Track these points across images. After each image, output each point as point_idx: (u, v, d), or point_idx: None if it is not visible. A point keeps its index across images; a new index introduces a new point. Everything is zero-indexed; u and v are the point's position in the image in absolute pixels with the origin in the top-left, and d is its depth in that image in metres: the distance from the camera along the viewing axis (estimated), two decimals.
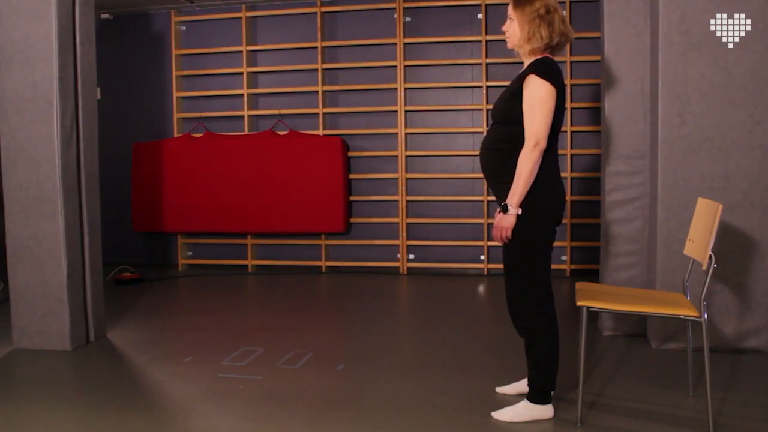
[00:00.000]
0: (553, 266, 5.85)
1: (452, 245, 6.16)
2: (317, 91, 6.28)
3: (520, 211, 2.67)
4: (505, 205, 2.67)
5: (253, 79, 6.48)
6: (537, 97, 2.63)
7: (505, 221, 2.68)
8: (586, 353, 2.80)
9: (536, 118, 2.63)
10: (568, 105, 5.80)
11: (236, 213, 6.25)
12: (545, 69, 2.66)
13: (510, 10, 2.76)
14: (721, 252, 3.58)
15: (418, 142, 6.23)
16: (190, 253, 6.69)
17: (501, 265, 6.09)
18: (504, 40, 2.85)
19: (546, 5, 2.68)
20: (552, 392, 2.84)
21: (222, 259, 6.57)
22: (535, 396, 2.80)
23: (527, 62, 2.75)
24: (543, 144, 2.63)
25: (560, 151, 5.68)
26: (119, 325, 4.47)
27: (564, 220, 5.86)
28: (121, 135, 6.65)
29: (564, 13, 2.76)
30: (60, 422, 2.91)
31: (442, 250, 6.21)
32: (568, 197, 5.84)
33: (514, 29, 2.75)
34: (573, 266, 5.96)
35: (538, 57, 2.73)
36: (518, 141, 2.69)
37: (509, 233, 2.69)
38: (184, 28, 6.57)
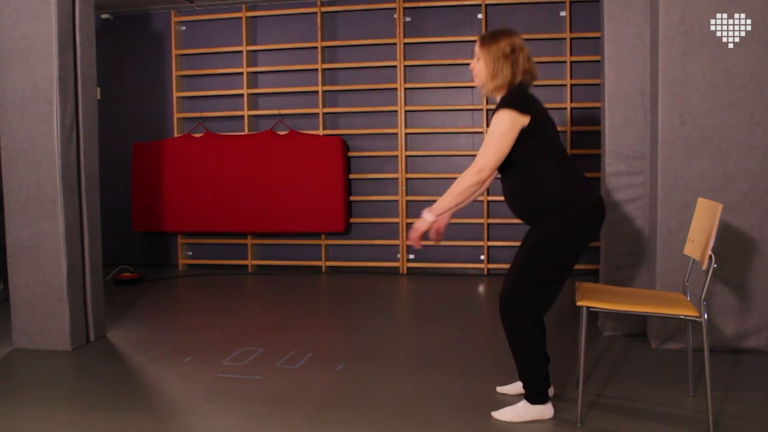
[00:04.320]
0: None
1: (452, 245, 6.16)
2: (317, 91, 6.28)
3: (434, 218, 2.76)
4: (424, 212, 2.77)
5: (253, 79, 6.48)
6: (497, 129, 2.68)
7: (420, 224, 2.78)
8: (586, 353, 2.80)
9: (490, 149, 2.68)
10: (567, 105, 5.80)
11: (236, 213, 6.25)
12: (511, 97, 2.72)
13: (477, 48, 2.83)
14: (721, 252, 3.58)
15: (418, 142, 6.23)
16: (190, 253, 6.69)
17: (500, 265, 6.13)
18: None
19: (512, 44, 2.75)
20: (551, 391, 2.84)
21: (222, 259, 6.57)
22: (531, 396, 2.80)
23: (498, 98, 2.80)
24: (486, 174, 2.69)
25: None
26: (119, 325, 4.47)
27: None
28: (121, 135, 6.65)
29: (529, 52, 2.80)
30: (60, 422, 2.91)
31: (442, 250, 6.20)
32: None
33: (480, 67, 2.82)
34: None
35: (503, 92, 2.78)
36: (532, 175, 2.71)
37: (418, 234, 2.76)
38: (184, 28, 6.57)
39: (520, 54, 2.75)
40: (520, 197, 2.77)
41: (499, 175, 2.86)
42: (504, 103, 2.70)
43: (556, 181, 2.69)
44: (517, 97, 2.71)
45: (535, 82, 2.88)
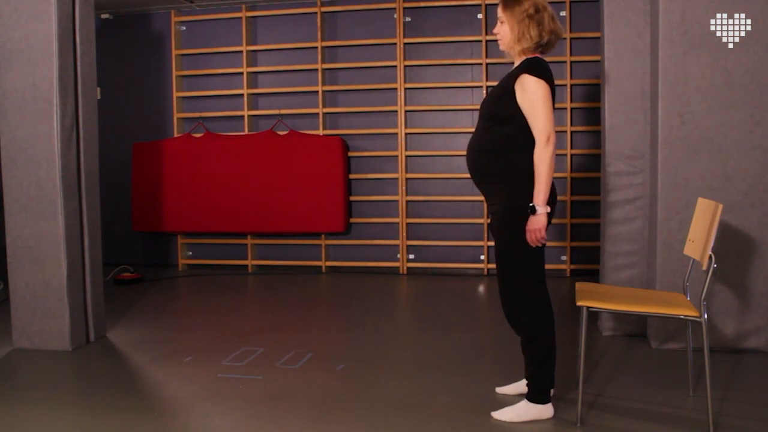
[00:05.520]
0: (553, 266, 5.89)
1: (452, 245, 6.16)
2: (317, 91, 6.28)
3: (548, 209, 2.67)
4: (533, 207, 2.65)
5: (253, 79, 6.48)
6: (537, 96, 2.65)
7: (537, 222, 2.66)
8: (586, 353, 2.80)
9: (541, 114, 2.65)
10: (567, 105, 5.80)
11: (236, 213, 6.25)
12: (538, 68, 2.68)
13: (500, 12, 2.78)
14: (721, 252, 3.58)
15: (418, 142, 6.23)
16: (190, 253, 6.69)
17: None
18: None
19: (535, 4, 2.70)
20: (552, 392, 2.84)
21: (222, 259, 6.57)
22: (534, 395, 2.81)
23: (518, 62, 2.77)
24: (554, 137, 2.66)
25: (560, 151, 5.72)
26: (119, 325, 4.47)
27: (564, 220, 5.86)
28: (121, 135, 6.65)
29: (552, 11, 2.77)
30: (60, 422, 2.91)
31: (442, 250, 6.21)
32: (567, 197, 5.84)
33: (504, 31, 2.77)
34: (573, 266, 5.96)
35: (529, 57, 2.74)
36: (509, 141, 2.71)
37: (543, 233, 2.67)
38: (184, 28, 6.57)
39: (544, 13, 2.71)
40: (483, 154, 2.76)
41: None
42: (530, 71, 2.66)
43: (525, 162, 2.69)
44: (541, 67, 2.69)
45: None
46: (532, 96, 2.65)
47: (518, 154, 2.70)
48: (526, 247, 2.71)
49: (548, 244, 2.86)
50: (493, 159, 2.74)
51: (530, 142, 2.69)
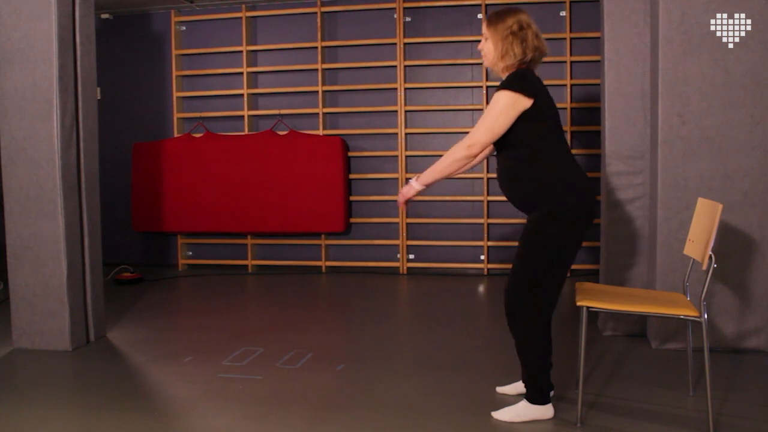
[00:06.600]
0: None
1: (452, 245, 6.16)
2: (317, 91, 6.28)
3: (422, 188, 2.82)
4: (412, 179, 2.83)
5: (253, 79, 6.48)
6: (494, 107, 2.68)
7: (406, 189, 2.87)
8: (586, 353, 2.80)
9: (484, 125, 2.69)
10: (567, 105, 5.79)
11: (236, 213, 6.25)
12: (514, 78, 2.69)
13: (484, 28, 2.82)
14: (721, 252, 3.58)
15: (418, 142, 6.23)
16: (190, 253, 6.69)
17: (500, 265, 6.12)
18: None
19: (519, 21, 2.73)
20: (552, 392, 2.84)
21: (222, 259, 6.58)
22: (533, 396, 2.80)
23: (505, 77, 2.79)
24: (475, 150, 2.70)
25: None
26: (119, 325, 4.47)
27: None
28: (121, 135, 6.65)
29: (537, 28, 2.77)
30: (60, 422, 2.91)
31: (442, 250, 6.21)
32: None
33: (488, 47, 2.80)
34: (573, 266, 5.96)
35: (513, 70, 2.76)
36: (526, 154, 2.70)
37: (403, 199, 2.89)
38: (184, 28, 6.57)
39: (528, 31, 2.72)
40: (512, 180, 2.77)
41: (495, 152, 2.87)
42: (508, 84, 2.67)
43: (550, 169, 2.69)
44: (523, 79, 2.68)
45: None
46: (490, 105, 2.70)
47: (539, 163, 2.70)
48: (548, 251, 2.69)
49: None
50: (523, 181, 2.73)
51: (545, 146, 2.70)
